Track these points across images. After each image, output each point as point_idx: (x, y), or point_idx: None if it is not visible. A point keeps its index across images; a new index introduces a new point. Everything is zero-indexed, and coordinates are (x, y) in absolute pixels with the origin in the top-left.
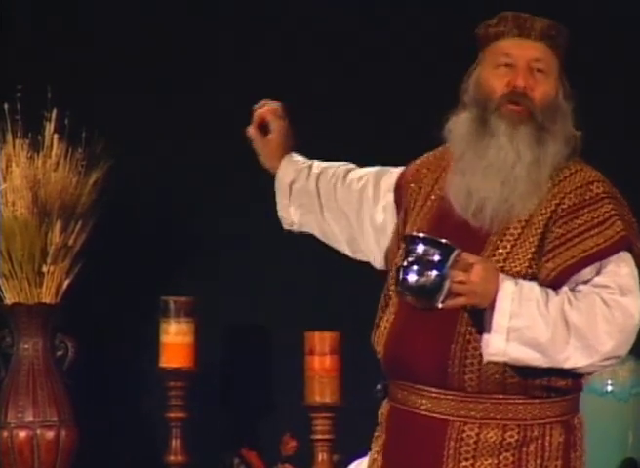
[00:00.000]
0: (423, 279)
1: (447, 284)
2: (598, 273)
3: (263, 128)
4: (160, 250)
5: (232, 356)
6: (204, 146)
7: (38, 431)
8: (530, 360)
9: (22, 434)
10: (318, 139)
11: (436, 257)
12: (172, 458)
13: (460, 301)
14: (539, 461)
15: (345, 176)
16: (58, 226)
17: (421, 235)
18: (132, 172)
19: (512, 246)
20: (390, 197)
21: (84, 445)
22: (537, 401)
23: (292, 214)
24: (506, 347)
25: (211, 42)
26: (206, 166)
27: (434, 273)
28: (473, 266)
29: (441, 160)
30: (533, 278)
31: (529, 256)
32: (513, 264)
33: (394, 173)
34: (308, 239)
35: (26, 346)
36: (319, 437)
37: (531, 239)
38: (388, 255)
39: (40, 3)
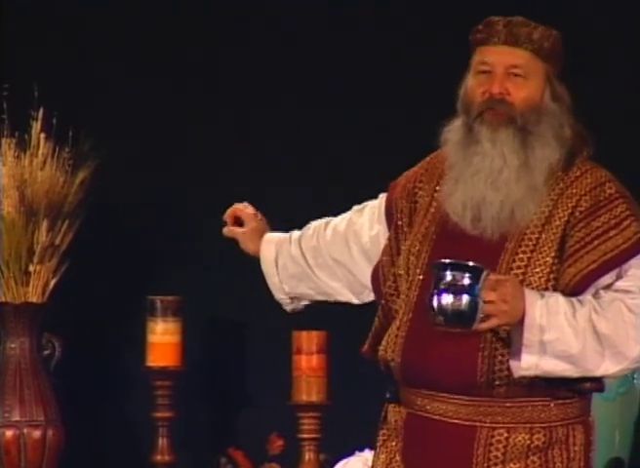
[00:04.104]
0: (457, 304)
1: (481, 305)
2: (619, 277)
3: (238, 223)
4: (147, 249)
5: (219, 355)
6: (190, 146)
7: (25, 430)
8: (562, 371)
9: (9, 433)
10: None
11: (466, 281)
12: (159, 458)
13: (494, 322)
14: (565, 463)
15: (326, 228)
16: (44, 225)
17: (448, 261)
18: (118, 171)
19: (532, 251)
20: (380, 227)
21: (71, 444)
22: (560, 401)
23: (286, 293)
24: (538, 361)
25: (198, 42)
26: (192, 165)
27: (467, 297)
28: (502, 284)
29: (435, 168)
30: (555, 282)
31: (550, 261)
32: (535, 270)
33: (375, 204)
34: None
35: (13, 346)
36: (306, 436)
37: (550, 244)
38: (380, 271)
39: (26, 2)
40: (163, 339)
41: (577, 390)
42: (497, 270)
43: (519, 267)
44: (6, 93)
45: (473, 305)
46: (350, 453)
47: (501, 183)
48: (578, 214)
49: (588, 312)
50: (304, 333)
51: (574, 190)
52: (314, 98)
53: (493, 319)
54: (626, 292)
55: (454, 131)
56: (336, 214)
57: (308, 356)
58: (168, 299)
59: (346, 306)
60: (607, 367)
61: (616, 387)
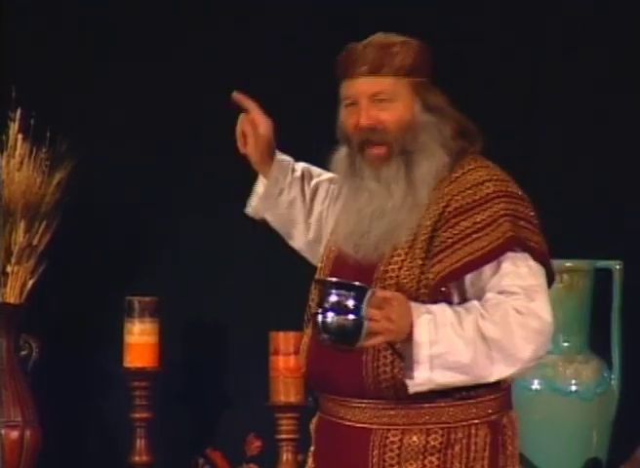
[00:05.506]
0: (342, 324)
1: (365, 325)
2: (500, 276)
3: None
4: (124, 249)
5: (197, 356)
6: (168, 146)
7: (2, 431)
8: (456, 382)
9: None
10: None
11: (351, 301)
12: (136, 458)
13: (379, 339)
14: (464, 462)
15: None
16: (22, 226)
17: (334, 280)
18: (96, 172)
19: (406, 253)
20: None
21: (48, 445)
22: (459, 402)
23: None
24: (431, 375)
25: (178, 42)
26: (170, 166)
27: (352, 317)
28: (388, 302)
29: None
30: (427, 282)
31: (420, 263)
32: (408, 272)
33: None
34: (274, 239)
35: None
36: (284, 437)
37: (420, 245)
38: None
39: (3, 3)
40: (140, 340)
41: (474, 390)
42: (375, 276)
43: (393, 270)
44: None
45: (358, 324)
46: None
47: (387, 212)
48: (446, 214)
49: (475, 319)
50: (282, 334)
51: (449, 190)
52: (313, 98)
53: (378, 336)
54: (510, 293)
55: (340, 161)
56: None
57: (286, 357)
58: (145, 300)
59: None
60: (500, 371)
61: (593, 387)
